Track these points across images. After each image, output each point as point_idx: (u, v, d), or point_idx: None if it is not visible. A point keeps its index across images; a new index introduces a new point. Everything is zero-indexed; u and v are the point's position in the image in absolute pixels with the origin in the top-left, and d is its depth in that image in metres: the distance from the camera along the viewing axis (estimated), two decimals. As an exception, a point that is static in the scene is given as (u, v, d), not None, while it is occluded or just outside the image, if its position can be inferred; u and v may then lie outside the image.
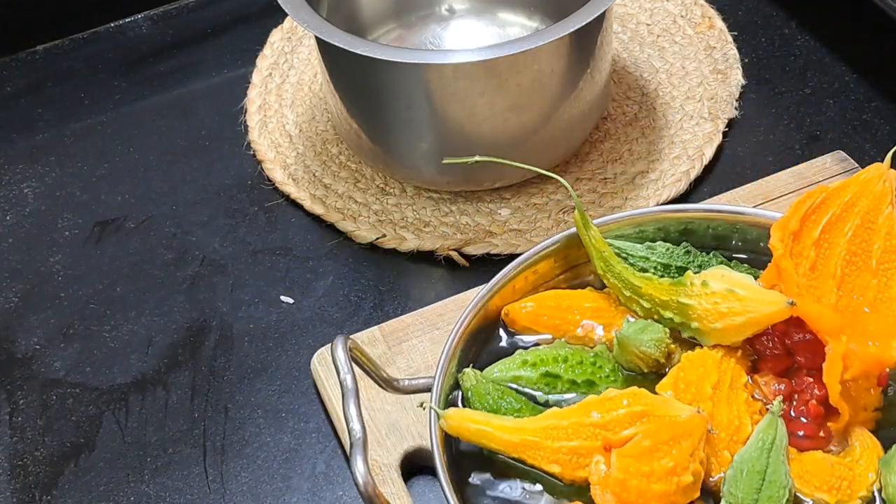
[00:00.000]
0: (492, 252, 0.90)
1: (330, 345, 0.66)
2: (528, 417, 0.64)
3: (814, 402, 0.64)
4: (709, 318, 0.65)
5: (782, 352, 0.66)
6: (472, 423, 0.63)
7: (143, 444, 0.80)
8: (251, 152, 1.01)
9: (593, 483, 0.60)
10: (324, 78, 0.94)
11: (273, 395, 0.83)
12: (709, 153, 0.96)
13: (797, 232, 0.66)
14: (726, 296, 0.65)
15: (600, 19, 0.87)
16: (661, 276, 0.70)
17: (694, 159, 0.96)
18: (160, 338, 0.87)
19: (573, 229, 0.72)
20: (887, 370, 0.64)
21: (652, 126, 0.99)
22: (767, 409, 0.63)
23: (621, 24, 1.10)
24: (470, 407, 0.66)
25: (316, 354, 0.81)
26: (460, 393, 0.67)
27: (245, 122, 1.04)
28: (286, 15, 0.87)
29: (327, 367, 0.80)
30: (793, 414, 0.64)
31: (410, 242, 0.91)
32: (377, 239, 0.92)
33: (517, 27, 1.06)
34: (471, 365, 0.68)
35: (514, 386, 0.67)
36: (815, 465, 0.62)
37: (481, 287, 0.70)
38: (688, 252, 0.72)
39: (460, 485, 0.64)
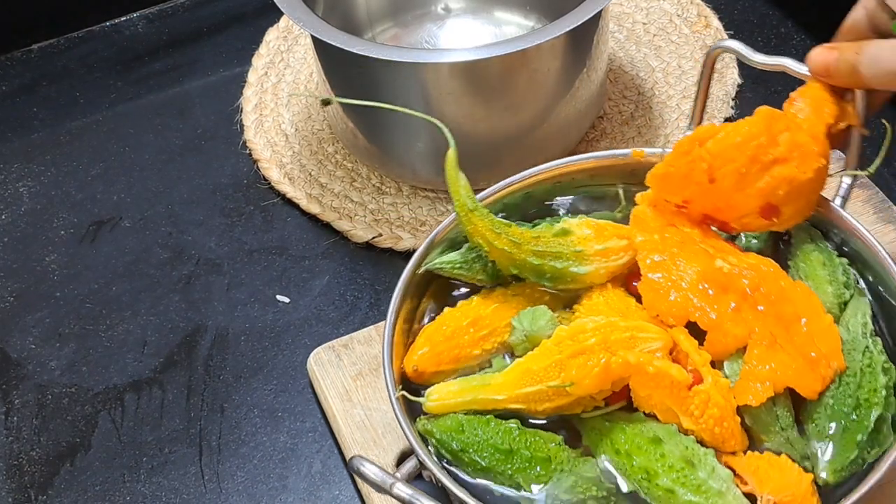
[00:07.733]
0: (488, 251, 0.90)
1: (349, 462, 0.64)
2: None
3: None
4: (590, 242, 0.70)
5: None
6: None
7: (138, 444, 0.80)
8: (247, 151, 1.01)
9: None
10: (320, 77, 0.94)
11: (269, 395, 0.83)
12: (705, 152, 0.96)
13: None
14: (594, 226, 0.71)
15: (596, 18, 0.87)
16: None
17: (690, 158, 0.96)
18: (156, 337, 0.87)
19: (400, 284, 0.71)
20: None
21: (648, 125, 0.99)
22: None
23: (617, 24, 1.10)
24: (445, 448, 0.66)
25: (312, 354, 0.81)
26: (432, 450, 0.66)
27: (241, 121, 1.04)
28: (282, 14, 0.86)
29: (323, 366, 0.80)
30: None
31: (406, 242, 0.91)
32: (373, 238, 0.92)
33: (513, 26, 1.06)
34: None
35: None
36: None
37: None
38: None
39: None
